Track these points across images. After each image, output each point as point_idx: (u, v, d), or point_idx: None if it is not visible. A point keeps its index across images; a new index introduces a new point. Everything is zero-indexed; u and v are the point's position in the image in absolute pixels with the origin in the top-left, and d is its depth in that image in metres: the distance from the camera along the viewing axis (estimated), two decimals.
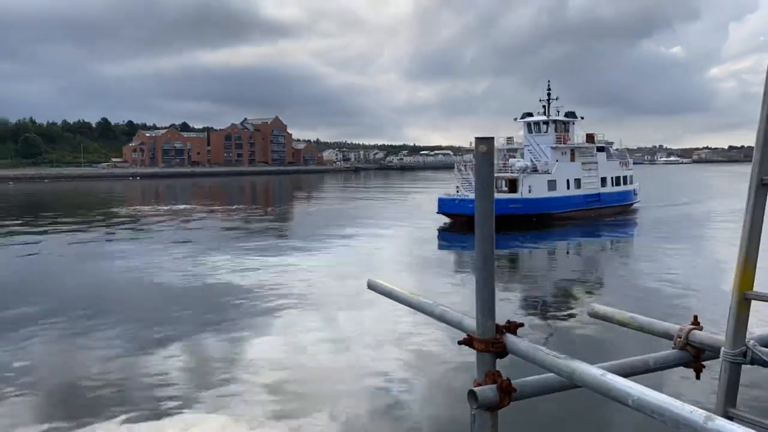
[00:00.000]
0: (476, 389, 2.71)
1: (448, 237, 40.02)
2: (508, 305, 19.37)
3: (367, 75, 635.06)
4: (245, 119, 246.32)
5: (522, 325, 2.99)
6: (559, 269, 29.37)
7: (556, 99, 53.76)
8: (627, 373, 2.75)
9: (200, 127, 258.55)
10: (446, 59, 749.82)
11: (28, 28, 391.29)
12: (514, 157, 51.03)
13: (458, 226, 41.39)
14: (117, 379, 13.28)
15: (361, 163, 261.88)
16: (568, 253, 34.90)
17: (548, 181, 47.90)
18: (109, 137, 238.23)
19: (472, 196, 43.33)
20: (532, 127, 51.86)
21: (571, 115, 53.24)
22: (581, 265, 30.51)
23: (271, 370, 13.93)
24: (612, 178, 53.15)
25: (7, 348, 15.64)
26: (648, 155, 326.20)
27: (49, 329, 17.48)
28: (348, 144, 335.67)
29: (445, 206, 45.07)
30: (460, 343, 3.02)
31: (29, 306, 20.01)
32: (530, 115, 52.55)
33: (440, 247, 37.28)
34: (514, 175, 46.25)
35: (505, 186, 46.09)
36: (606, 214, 49.26)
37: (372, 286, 3.76)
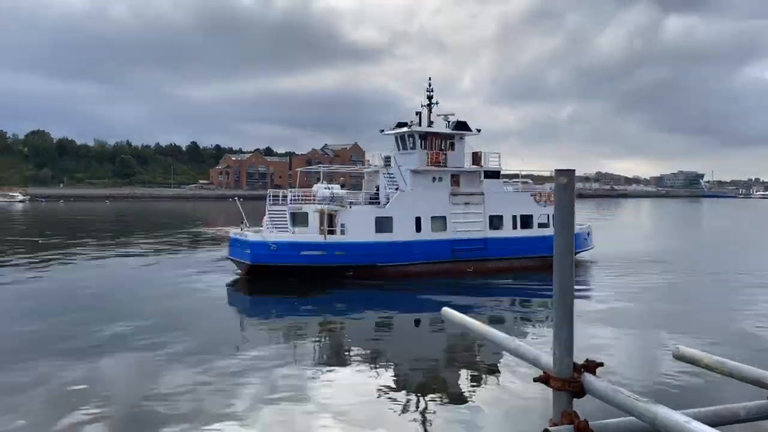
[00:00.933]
0: (551, 429, 2.62)
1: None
2: (583, 341, 18.61)
3: (447, 99, 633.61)
4: (326, 145, 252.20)
5: (602, 364, 2.87)
6: (638, 301, 27.98)
7: (437, 104, 38.04)
8: (714, 422, 2.62)
9: (283, 151, 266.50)
10: (529, 83, 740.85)
11: (123, 53, 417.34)
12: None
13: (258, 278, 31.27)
14: None
15: None
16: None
17: (377, 218, 33.53)
18: (197, 160, 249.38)
19: (274, 237, 31.92)
20: (400, 143, 37.26)
21: (461, 126, 37.35)
22: (662, 297, 29.02)
23: None
24: (515, 217, 37.35)
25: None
26: (743, 189, 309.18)
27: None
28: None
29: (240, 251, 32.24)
30: (535, 380, 2.95)
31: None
32: (406, 125, 36.70)
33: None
34: (334, 208, 32.94)
35: (319, 221, 32.17)
36: (503, 269, 35.31)
37: (446, 315, 3.93)
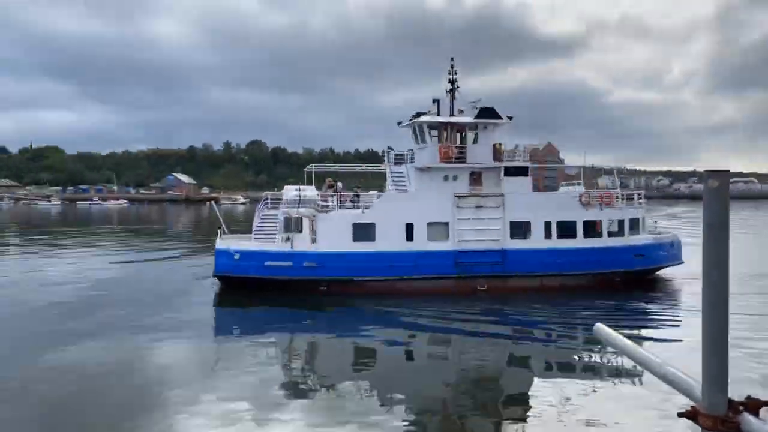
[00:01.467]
0: None
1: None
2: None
3: (653, 91, 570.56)
4: (516, 146, 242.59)
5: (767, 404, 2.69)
6: None
7: (457, 88, 32.08)
8: None
9: None
10: (754, 68, 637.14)
11: (325, 64, 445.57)
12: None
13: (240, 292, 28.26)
14: None
15: (641, 190, 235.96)
16: None
17: (354, 225, 28.50)
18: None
19: (240, 245, 29.12)
20: (414, 137, 31.67)
21: (485, 113, 30.88)
22: None
23: None
24: (548, 223, 29.70)
25: None
26: None
27: None
28: (627, 170, 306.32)
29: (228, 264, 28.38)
30: (680, 415, 2.79)
31: None
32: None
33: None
34: (305, 212, 28.48)
35: (284, 227, 28.58)
36: (530, 288, 28.76)
37: (598, 332, 3.31)
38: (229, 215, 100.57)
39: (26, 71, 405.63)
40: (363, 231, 28.44)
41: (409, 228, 28.76)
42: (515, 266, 29.39)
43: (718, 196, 2.62)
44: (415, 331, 22.74)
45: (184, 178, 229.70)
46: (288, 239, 28.36)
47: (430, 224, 29.01)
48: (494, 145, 31.04)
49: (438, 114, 31.95)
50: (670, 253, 32.27)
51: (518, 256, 29.44)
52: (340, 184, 32.49)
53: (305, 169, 32.77)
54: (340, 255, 28.05)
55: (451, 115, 32.26)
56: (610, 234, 30.75)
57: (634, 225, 31.63)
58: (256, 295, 27.34)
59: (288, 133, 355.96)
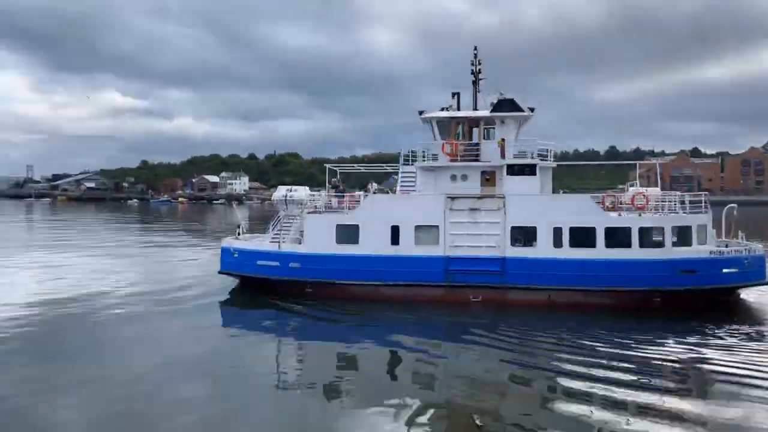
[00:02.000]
0: None
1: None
2: None
3: None
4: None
5: None
6: None
7: (481, 80, 29.13)
8: None
9: (713, 151, 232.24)
10: None
11: (538, 61, 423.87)
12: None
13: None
14: None
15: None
16: None
17: (338, 226, 27.32)
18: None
19: (240, 243, 29.65)
20: (432, 133, 29.08)
21: (502, 106, 27.85)
22: None
23: None
24: (558, 230, 25.56)
25: None
26: None
27: None
28: None
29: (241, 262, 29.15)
30: None
31: None
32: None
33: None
34: (292, 213, 29.09)
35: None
36: (534, 303, 25.19)
37: None
38: None
39: (266, 85, 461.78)
40: (346, 233, 27.34)
41: (395, 231, 26.94)
42: (517, 277, 25.84)
43: None
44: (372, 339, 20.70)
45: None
46: (299, 240, 28.51)
47: (418, 227, 26.83)
48: (498, 141, 27.59)
49: (458, 109, 29.49)
50: (744, 270, 25.47)
51: (520, 266, 25.83)
52: (341, 186, 31.62)
53: (328, 166, 32.58)
54: (323, 257, 27.37)
55: (474, 109, 29.48)
56: (645, 244, 25.36)
57: (683, 234, 25.63)
58: (265, 294, 27.91)
59: None
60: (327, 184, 31.40)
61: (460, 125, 28.70)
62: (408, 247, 26.74)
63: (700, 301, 24.91)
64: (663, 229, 25.31)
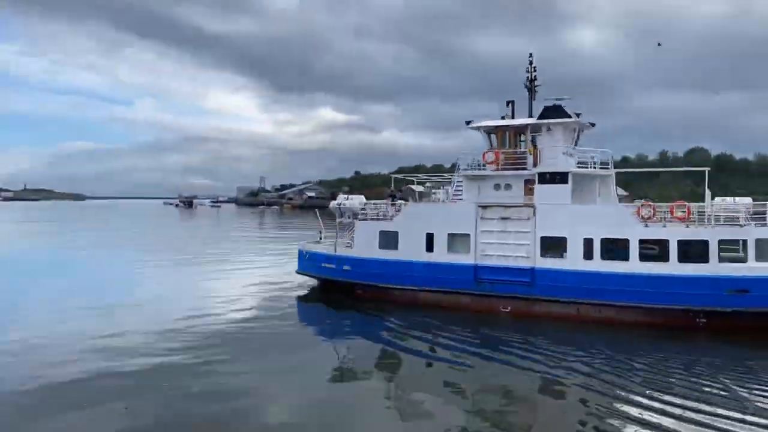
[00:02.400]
0: None
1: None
2: None
3: None
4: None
5: None
6: None
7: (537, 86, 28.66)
8: None
9: None
10: None
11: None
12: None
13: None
14: None
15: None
16: None
17: (380, 233, 28.88)
18: None
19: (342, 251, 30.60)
20: (486, 142, 29.00)
21: (549, 113, 26.94)
22: None
23: None
24: (589, 241, 24.31)
25: None
26: None
27: None
28: None
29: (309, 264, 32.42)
30: None
31: None
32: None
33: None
34: (346, 221, 31.78)
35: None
36: (564, 317, 24.23)
37: None
38: None
39: (464, 94, 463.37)
40: (387, 239, 28.78)
41: (430, 238, 27.71)
42: (547, 290, 25.09)
43: None
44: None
45: (618, 189, 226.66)
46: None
47: (451, 235, 27.30)
48: (529, 149, 26.81)
49: (513, 116, 29.31)
50: None
51: (550, 277, 25.04)
52: (398, 195, 32.75)
53: (393, 176, 34.27)
54: (366, 261, 29.17)
55: (530, 116, 29.01)
56: (687, 259, 22.99)
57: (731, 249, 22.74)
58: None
59: (732, 137, 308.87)
60: (395, 189, 33.03)
61: (506, 133, 28.43)
62: (441, 254, 27.35)
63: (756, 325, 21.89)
64: (707, 242, 22.71)
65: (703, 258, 22.73)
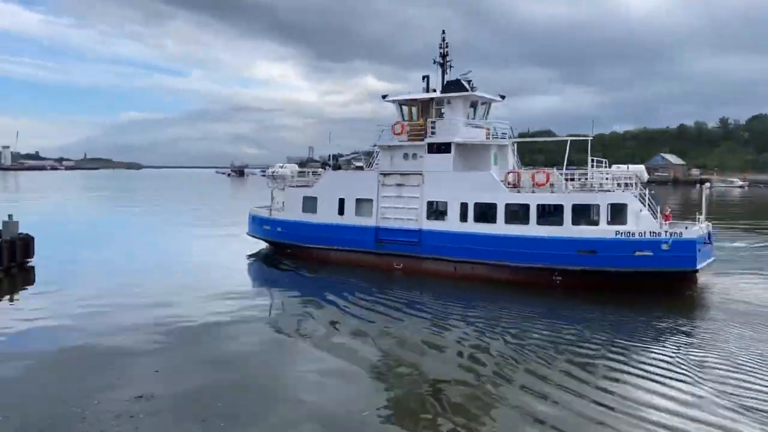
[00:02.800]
0: None
1: None
2: None
3: None
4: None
5: None
6: None
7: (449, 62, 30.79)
8: None
9: None
10: None
11: None
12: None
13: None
14: None
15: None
16: None
17: (304, 198, 32.26)
18: None
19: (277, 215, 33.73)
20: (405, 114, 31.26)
21: (451, 87, 29.55)
22: None
23: None
24: (464, 205, 26.94)
25: None
26: None
27: None
28: None
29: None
30: None
31: None
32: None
33: None
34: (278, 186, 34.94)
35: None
36: (443, 273, 26.95)
37: None
38: (722, 199, 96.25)
39: (510, 61, 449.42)
40: (309, 203, 31.94)
41: (341, 203, 30.64)
42: (431, 249, 27.71)
43: None
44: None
45: (672, 158, 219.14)
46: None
47: (358, 200, 30.18)
48: (419, 121, 29.18)
49: (428, 91, 31.52)
50: (660, 254, 23.53)
51: (433, 238, 27.65)
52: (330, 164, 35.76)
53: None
54: (292, 223, 32.42)
55: (443, 91, 31.10)
56: (543, 221, 25.13)
57: (585, 212, 24.63)
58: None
59: None
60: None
61: (415, 107, 30.74)
62: (350, 217, 30.27)
63: (619, 283, 23.74)
64: (561, 206, 24.78)
65: (558, 221, 24.77)
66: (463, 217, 26.93)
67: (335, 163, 36.98)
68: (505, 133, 29.94)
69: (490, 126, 30.27)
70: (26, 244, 28.56)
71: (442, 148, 28.33)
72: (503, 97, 31.10)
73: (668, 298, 23.00)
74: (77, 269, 29.13)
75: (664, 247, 23.32)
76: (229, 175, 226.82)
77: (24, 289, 24.89)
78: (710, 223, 26.77)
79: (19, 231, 28.44)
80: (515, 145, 30.80)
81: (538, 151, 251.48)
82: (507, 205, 25.88)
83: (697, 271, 23.65)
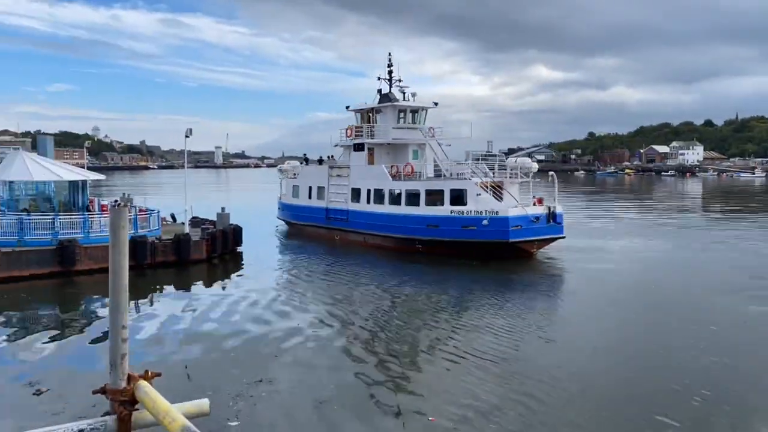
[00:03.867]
0: None
1: None
2: None
3: None
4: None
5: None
6: None
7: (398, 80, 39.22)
8: None
9: None
10: None
11: None
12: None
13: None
14: None
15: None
16: None
17: (293, 186, 43.65)
18: None
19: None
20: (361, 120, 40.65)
21: (381, 98, 38.97)
22: None
23: None
24: (369, 191, 35.79)
25: None
26: None
27: None
28: None
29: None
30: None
31: None
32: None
33: None
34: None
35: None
36: (358, 243, 35.97)
37: None
38: None
39: (703, 39, 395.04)
40: (294, 190, 42.83)
41: (309, 189, 40.92)
42: (353, 224, 36.90)
43: None
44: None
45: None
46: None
47: (318, 187, 40.26)
48: (348, 127, 39.15)
49: (380, 102, 40.23)
50: (481, 228, 30.03)
51: (353, 216, 36.78)
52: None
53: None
54: (287, 206, 43.73)
55: (379, 102, 39.38)
56: (408, 203, 33.02)
57: (434, 196, 32.09)
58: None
59: None
60: None
61: (365, 114, 39.69)
62: (314, 201, 40.44)
63: (478, 252, 30.20)
64: (418, 192, 32.34)
65: (417, 203, 32.39)
66: (368, 200, 35.56)
67: (306, 158, 47.27)
68: (427, 135, 37.54)
69: (419, 128, 37.84)
70: (236, 233, 32.91)
71: (359, 147, 37.39)
72: (436, 104, 38.57)
73: (503, 263, 29.17)
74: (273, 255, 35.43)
75: (485, 223, 29.77)
76: None
77: (236, 271, 29.67)
78: (559, 206, 31.89)
79: (230, 222, 32.90)
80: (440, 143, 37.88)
81: (747, 140, 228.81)
82: (390, 191, 34.10)
83: (509, 242, 29.54)
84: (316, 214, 40.15)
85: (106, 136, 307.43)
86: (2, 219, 27.28)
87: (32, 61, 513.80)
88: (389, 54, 40.72)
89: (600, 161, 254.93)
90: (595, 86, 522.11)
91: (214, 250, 30.56)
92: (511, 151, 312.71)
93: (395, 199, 33.99)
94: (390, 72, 39.79)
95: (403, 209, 33.22)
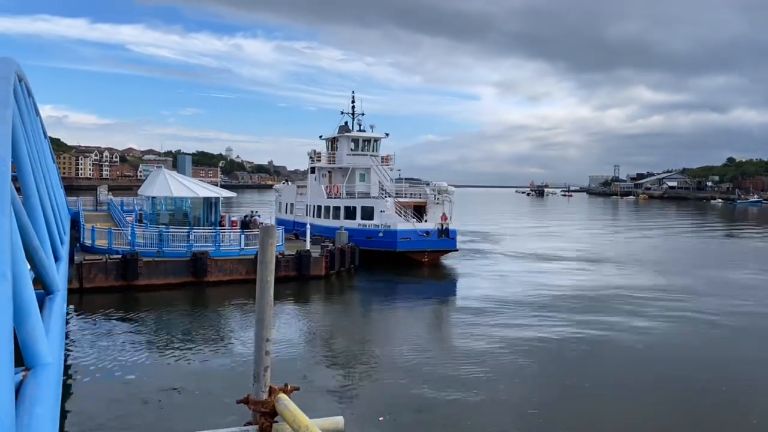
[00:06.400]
0: None
1: None
2: None
3: None
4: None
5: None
6: None
7: (360, 114, 46.65)
8: None
9: None
10: None
11: None
12: None
13: None
14: None
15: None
16: None
17: (280, 203, 52.58)
18: None
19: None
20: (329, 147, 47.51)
21: (339, 130, 46.08)
22: None
23: None
24: (314, 206, 41.68)
25: None
26: None
27: None
28: None
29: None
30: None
31: None
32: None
33: None
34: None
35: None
36: None
37: None
38: None
39: None
40: (282, 207, 51.43)
41: (288, 205, 49.59)
42: (302, 234, 39.63)
43: None
44: None
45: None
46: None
47: (290, 204, 49.13)
48: (309, 153, 45.86)
49: (348, 132, 45.86)
50: (378, 239, 37.42)
51: (304, 227, 39.20)
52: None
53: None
54: (279, 221, 46.20)
55: (340, 132, 45.82)
56: (329, 216, 41.59)
57: (349, 212, 39.88)
58: None
59: None
60: None
61: (331, 142, 46.08)
62: (289, 215, 48.15)
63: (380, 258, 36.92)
64: (329, 207, 41.66)
65: (353, 217, 39.52)
66: (315, 214, 41.26)
67: (286, 180, 58.35)
68: (368, 161, 44.22)
69: (368, 155, 44.26)
70: (353, 251, 36.97)
71: (311, 170, 44.01)
72: (387, 135, 46.10)
73: (403, 269, 35.67)
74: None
75: (381, 234, 37.49)
76: (528, 194, 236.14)
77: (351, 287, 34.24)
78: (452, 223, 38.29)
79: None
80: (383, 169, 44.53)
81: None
82: (326, 207, 42.19)
83: (398, 251, 36.85)
84: (289, 226, 43.06)
85: (237, 156, 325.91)
86: (146, 231, 29.62)
87: (164, 86, 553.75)
88: (352, 92, 47.31)
89: (741, 189, 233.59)
90: (710, 108, 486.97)
91: (332, 266, 32.02)
92: (640, 176, 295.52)
93: (328, 214, 41.53)
94: (353, 107, 46.81)
95: (329, 222, 40.53)
